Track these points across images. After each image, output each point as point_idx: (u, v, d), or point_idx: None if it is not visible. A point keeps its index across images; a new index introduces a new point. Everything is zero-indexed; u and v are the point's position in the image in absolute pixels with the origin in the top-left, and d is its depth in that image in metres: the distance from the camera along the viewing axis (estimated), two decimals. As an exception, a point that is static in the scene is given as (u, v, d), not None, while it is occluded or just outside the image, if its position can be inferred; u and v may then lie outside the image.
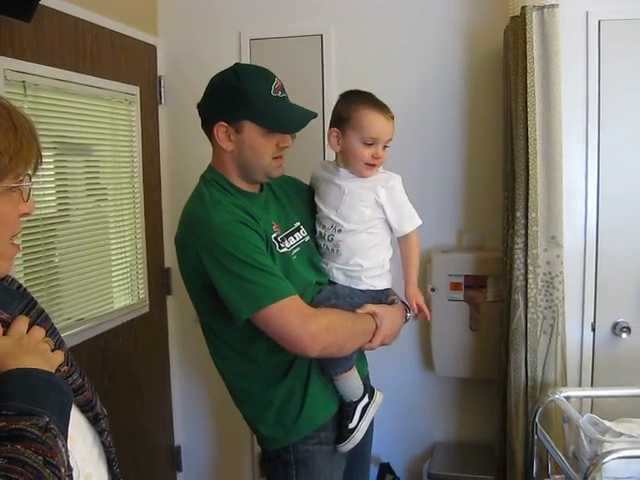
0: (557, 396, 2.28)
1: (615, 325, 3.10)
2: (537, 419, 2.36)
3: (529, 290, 2.57)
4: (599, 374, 3.12)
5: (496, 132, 3.03)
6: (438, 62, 3.15)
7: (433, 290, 3.09)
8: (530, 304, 2.57)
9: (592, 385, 3.14)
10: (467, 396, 3.27)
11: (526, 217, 2.56)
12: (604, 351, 3.12)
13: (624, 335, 3.08)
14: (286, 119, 1.99)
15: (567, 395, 2.33)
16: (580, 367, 3.13)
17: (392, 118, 2.11)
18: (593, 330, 3.11)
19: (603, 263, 3.07)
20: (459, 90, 3.14)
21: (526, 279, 2.58)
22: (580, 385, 3.14)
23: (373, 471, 3.32)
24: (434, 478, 3.09)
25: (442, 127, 3.16)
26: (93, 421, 1.29)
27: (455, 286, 3.07)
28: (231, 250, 1.89)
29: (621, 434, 2.10)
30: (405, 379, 3.32)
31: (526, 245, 2.57)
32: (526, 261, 2.57)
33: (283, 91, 2.02)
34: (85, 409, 1.27)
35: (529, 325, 2.58)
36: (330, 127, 2.14)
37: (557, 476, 2.28)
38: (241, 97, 1.95)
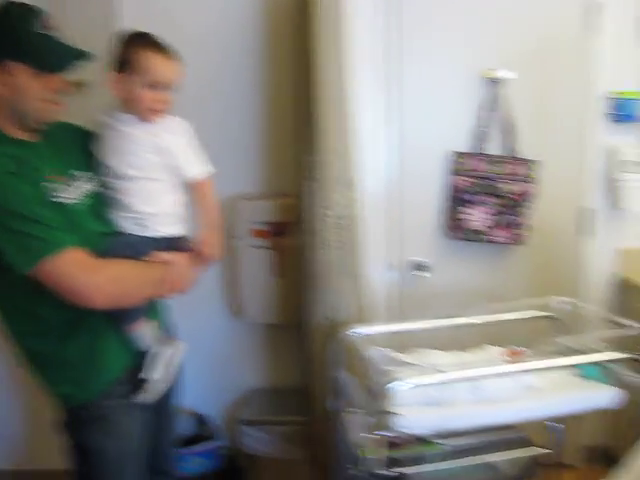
0: (351, 333, 2.36)
1: (416, 265, 3.26)
2: (333, 357, 2.44)
3: (322, 233, 2.63)
4: (403, 312, 3.28)
5: (294, 78, 3.05)
6: (235, 5, 3.12)
7: (237, 238, 3.10)
8: (324, 246, 2.64)
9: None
10: (277, 341, 3.33)
11: (317, 160, 2.61)
12: (406, 290, 3.28)
13: (423, 273, 3.24)
14: (50, 57, 1.88)
15: (361, 332, 2.41)
16: (385, 307, 3.28)
17: (175, 60, 2.05)
18: (395, 270, 3.25)
19: (404, 206, 3.21)
20: (256, 36, 3.12)
21: (321, 222, 2.64)
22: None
23: (188, 423, 3.32)
24: (248, 424, 3.13)
25: (240, 73, 3.14)
26: None
27: (259, 233, 3.09)
28: (2, 203, 1.78)
29: (409, 364, 2.22)
30: (215, 327, 3.33)
31: (320, 189, 2.62)
32: (320, 204, 2.62)
33: (53, 28, 1.89)
34: None
35: (324, 267, 2.65)
36: (111, 72, 2.05)
37: (354, 410, 2.38)
38: (4, 35, 1.82)
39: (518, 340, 2.49)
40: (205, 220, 2.16)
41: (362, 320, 2.78)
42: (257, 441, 3.15)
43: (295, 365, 3.24)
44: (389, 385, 2.01)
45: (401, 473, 2.10)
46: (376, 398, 2.01)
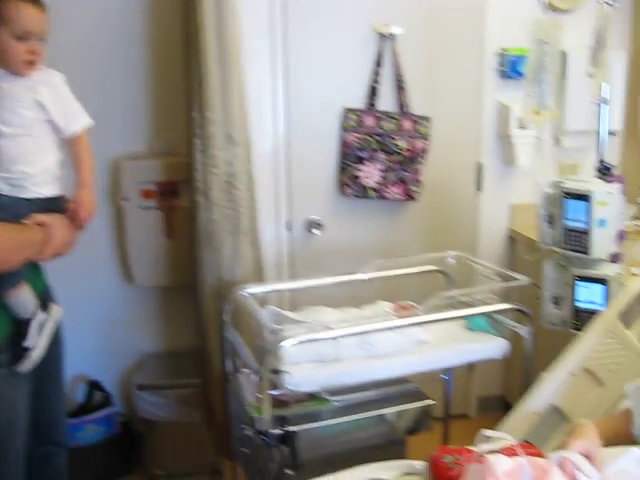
0: (242, 293, 2.32)
1: (308, 222, 3.23)
2: (226, 318, 2.39)
3: (210, 192, 2.56)
4: (297, 271, 3.27)
5: (181, 32, 2.92)
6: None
7: (124, 199, 2.98)
8: (212, 206, 2.57)
9: (294, 296, 3.28)
10: (170, 304, 3.25)
11: (203, 117, 2.52)
12: (300, 248, 3.26)
13: (316, 232, 3.23)
14: None
15: (252, 292, 2.37)
16: (278, 266, 3.25)
17: (44, 9, 1.92)
18: (289, 229, 3.22)
19: (296, 164, 3.17)
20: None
21: (207, 180, 2.57)
22: (282, 294, 3.27)
23: (80, 391, 3.22)
24: (142, 389, 3.05)
25: (125, 27, 2.98)
26: None
27: (147, 194, 2.99)
28: None
29: (299, 321, 2.19)
30: (106, 292, 3.21)
31: (204, 146, 2.54)
32: (206, 162, 2.54)
33: None
34: None
35: (213, 227, 2.58)
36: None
37: (247, 370, 2.34)
38: None
39: (411, 295, 2.49)
40: (81, 178, 2.05)
41: (254, 280, 2.74)
42: (153, 405, 3.07)
43: (190, 327, 3.17)
44: (278, 343, 1.98)
45: (291, 431, 2.08)
46: (266, 357, 1.98)
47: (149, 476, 3.15)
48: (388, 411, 2.24)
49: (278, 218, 3.21)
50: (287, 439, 2.07)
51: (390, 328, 2.09)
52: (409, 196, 3.20)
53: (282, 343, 1.97)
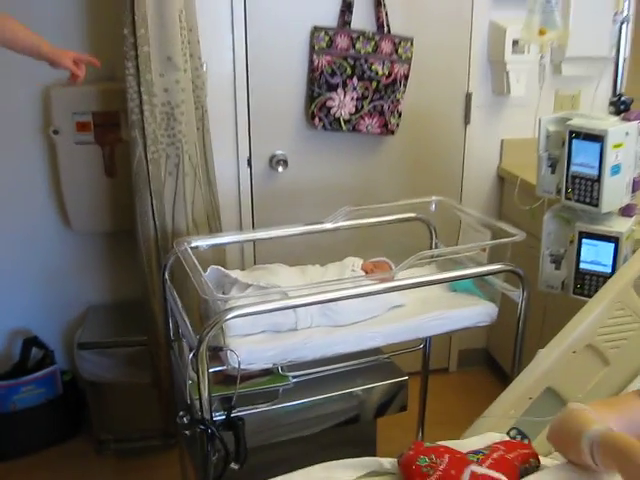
0: (185, 246, 1.93)
1: (272, 158, 2.85)
2: (166, 275, 2.02)
3: (146, 125, 2.15)
4: (259, 213, 2.90)
5: None
6: None
7: (56, 132, 2.56)
8: (149, 142, 2.16)
9: (253, 226, 2.91)
10: (115, 251, 2.88)
11: (134, 35, 2.08)
12: (262, 187, 2.89)
13: (280, 169, 2.85)
14: None
15: (195, 245, 1.99)
16: (237, 207, 2.88)
17: None
18: (249, 165, 2.83)
19: (257, 91, 2.77)
20: None
21: (142, 111, 2.15)
22: (240, 227, 2.90)
23: (15, 348, 2.87)
24: (84, 347, 2.71)
25: None
26: None
27: (82, 126, 2.57)
28: None
29: (249, 285, 1.83)
30: (44, 238, 2.82)
31: (137, 70, 2.11)
32: (141, 90, 2.12)
33: None
34: None
35: (151, 166, 2.18)
36: None
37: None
38: None
39: (386, 246, 2.16)
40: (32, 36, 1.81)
41: (206, 228, 2.36)
42: (96, 366, 2.73)
43: (136, 277, 2.81)
44: (218, 315, 1.62)
45: (237, 417, 1.74)
46: (204, 330, 1.61)
47: (98, 440, 2.84)
48: (355, 389, 1.89)
49: (238, 154, 2.82)
50: (232, 426, 1.72)
51: (357, 295, 1.73)
52: (387, 129, 2.81)
53: (223, 315, 1.61)
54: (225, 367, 1.72)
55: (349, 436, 2.00)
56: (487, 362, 3.33)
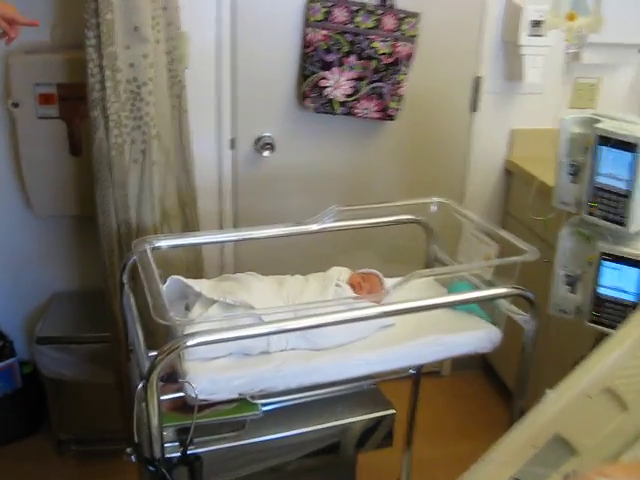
0: (142, 249, 1.67)
1: (258, 140, 2.58)
2: (124, 278, 1.76)
3: (108, 104, 1.87)
4: (240, 202, 2.64)
5: None
6: None
7: (16, 105, 2.28)
8: (112, 124, 1.88)
9: (235, 215, 2.65)
10: (81, 236, 2.61)
11: (96, 0, 1.79)
12: (246, 173, 2.63)
13: (266, 153, 2.58)
14: None
15: (162, 244, 1.73)
16: (219, 193, 2.62)
17: None
18: (232, 147, 2.56)
19: (243, 66, 2.50)
20: None
21: (104, 88, 1.87)
22: (221, 217, 2.64)
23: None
24: (44, 342, 2.46)
25: None
26: None
27: (46, 99, 2.29)
28: None
29: (215, 301, 1.57)
30: (3, 221, 2.56)
31: (99, 40, 1.82)
32: (101, 63, 1.83)
33: None
34: None
35: (113, 152, 1.91)
36: None
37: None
38: None
39: (379, 251, 1.90)
40: None
41: (177, 222, 2.10)
42: (57, 362, 2.49)
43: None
44: (177, 340, 1.37)
45: (193, 455, 1.49)
46: (159, 355, 1.36)
47: (57, 440, 2.61)
48: (333, 424, 1.64)
49: (220, 134, 2.54)
50: (188, 465, 1.48)
51: (341, 322, 1.47)
52: (386, 114, 2.53)
53: (180, 342, 1.36)
54: (181, 395, 1.47)
55: (325, 463, 1.76)
56: (483, 367, 3.09)
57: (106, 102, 1.87)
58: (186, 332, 1.42)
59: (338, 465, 1.86)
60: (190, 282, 1.61)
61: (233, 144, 2.56)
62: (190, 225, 2.40)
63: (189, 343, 1.37)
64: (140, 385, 1.39)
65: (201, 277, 2.32)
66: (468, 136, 2.74)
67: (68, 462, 2.58)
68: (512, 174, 2.78)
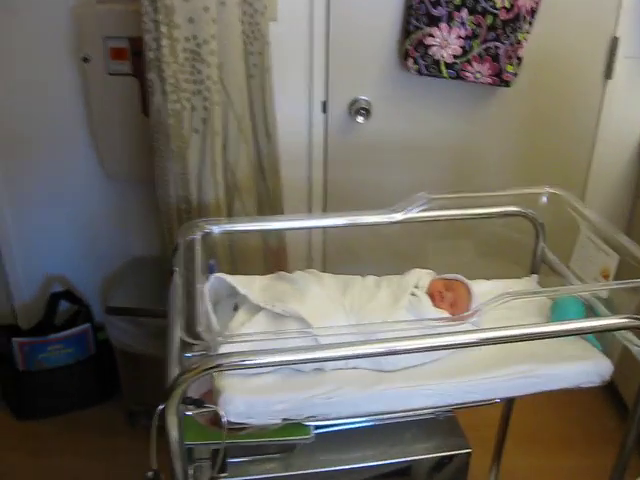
0: (195, 236, 1.45)
1: (352, 104, 2.30)
2: (175, 265, 1.54)
3: (164, 65, 1.63)
4: (333, 170, 2.38)
5: None
6: None
7: (86, 60, 2.10)
8: (169, 87, 1.65)
9: (325, 193, 2.40)
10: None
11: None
12: (338, 139, 2.36)
13: (360, 119, 2.30)
14: None
15: (223, 230, 1.50)
16: (309, 162, 2.37)
17: None
18: (324, 111, 2.30)
19: (338, 22, 2.19)
20: None
21: (159, 47, 1.62)
22: (310, 193, 2.39)
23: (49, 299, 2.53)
24: (114, 313, 2.34)
25: None
26: None
27: (117, 53, 2.10)
28: None
29: (261, 309, 1.33)
30: (80, 182, 2.43)
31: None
32: (157, 17, 1.59)
33: None
34: None
35: (171, 120, 1.68)
36: None
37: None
38: None
39: (479, 248, 1.61)
40: None
41: (249, 196, 1.86)
42: (126, 334, 2.37)
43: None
44: (205, 359, 1.14)
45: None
46: (183, 376, 1.14)
47: (129, 411, 2.51)
48: (397, 461, 1.38)
49: (311, 96, 2.28)
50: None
51: (417, 350, 1.19)
52: (501, 79, 2.18)
53: (208, 363, 1.12)
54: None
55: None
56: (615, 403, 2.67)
57: (162, 63, 1.63)
58: (221, 351, 1.18)
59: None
60: (235, 282, 1.37)
61: (325, 107, 2.29)
62: (271, 197, 2.17)
63: (222, 363, 1.14)
64: (160, 407, 1.18)
65: (283, 263, 2.11)
66: (598, 107, 2.34)
67: (139, 434, 2.47)
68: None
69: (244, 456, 1.37)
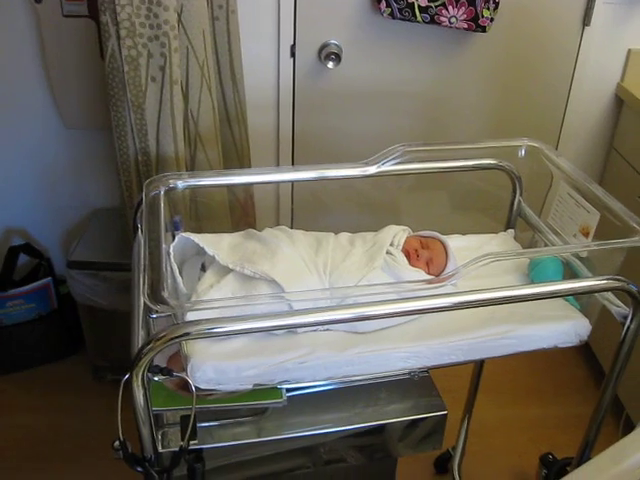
0: (158, 192, 1.37)
1: (322, 49, 2.21)
2: (138, 222, 1.47)
3: (118, 7, 1.51)
4: (301, 117, 2.29)
5: None
6: None
7: (38, 1, 1.97)
8: (124, 32, 1.53)
9: (293, 140, 2.31)
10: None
11: None
12: (306, 85, 2.28)
13: (331, 64, 2.21)
14: None
15: (188, 185, 1.42)
16: (277, 109, 2.28)
17: None
18: (293, 56, 2.20)
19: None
20: None
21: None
22: (278, 140, 2.31)
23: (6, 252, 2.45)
24: (75, 267, 2.25)
25: None
26: None
27: (73, -7, 1.97)
28: None
29: (230, 270, 1.27)
30: (37, 131, 2.31)
31: None
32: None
33: None
34: None
35: (127, 67, 1.57)
36: None
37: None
38: None
39: (455, 201, 1.56)
40: None
41: (212, 146, 1.77)
42: (89, 289, 2.29)
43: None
44: (172, 328, 1.08)
45: (196, 450, 1.23)
46: (148, 345, 1.08)
47: (94, 366, 2.45)
48: (368, 426, 1.34)
49: (279, 40, 2.18)
50: (188, 468, 1.22)
51: (391, 314, 1.15)
52: (477, 25, 2.10)
53: (175, 332, 1.06)
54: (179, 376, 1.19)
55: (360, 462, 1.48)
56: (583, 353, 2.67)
57: (115, 5, 1.51)
58: (188, 318, 1.12)
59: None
60: (203, 241, 1.30)
61: (294, 51, 2.20)
62: (237, 147, 2.08)
63: (189, 332, 1.08)
64: (126, 376, 1.12)
65: (251, 218, 2.03)
66: (575, 54, 2.27)
67: (104, 389, 2.44)
68: (623, 103, 2.31)
69: (214, 420, 1.32)
